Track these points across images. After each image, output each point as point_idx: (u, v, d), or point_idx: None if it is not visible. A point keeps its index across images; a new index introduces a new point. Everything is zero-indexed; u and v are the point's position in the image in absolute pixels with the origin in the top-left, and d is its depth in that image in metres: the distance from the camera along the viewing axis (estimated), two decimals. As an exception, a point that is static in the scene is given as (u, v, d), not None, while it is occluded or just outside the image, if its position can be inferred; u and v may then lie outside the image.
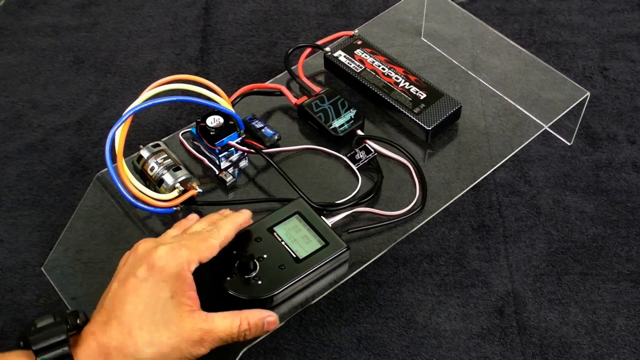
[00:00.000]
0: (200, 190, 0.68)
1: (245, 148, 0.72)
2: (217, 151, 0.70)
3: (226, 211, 0.65)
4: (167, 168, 0.67)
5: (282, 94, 0.78)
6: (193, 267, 0.56)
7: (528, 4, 1.04)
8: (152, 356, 0.53)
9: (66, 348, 0.52)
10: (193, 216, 0.65)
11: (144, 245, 0.57)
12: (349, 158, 0.73)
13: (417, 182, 0.71)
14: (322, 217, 0.66)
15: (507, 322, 0.71)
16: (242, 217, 0.62)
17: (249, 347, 0.59)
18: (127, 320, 0.53)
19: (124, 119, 0.63)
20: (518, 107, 0.81)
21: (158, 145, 0.70)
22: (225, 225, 0.60)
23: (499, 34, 0.85)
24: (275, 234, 0.64)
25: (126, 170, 0.64)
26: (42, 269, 0.74)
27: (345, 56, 0.81)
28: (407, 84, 0.78)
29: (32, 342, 0.51)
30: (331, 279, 0.64)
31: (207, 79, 0.70)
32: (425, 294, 0.73)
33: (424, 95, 0.77)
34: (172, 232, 0.62)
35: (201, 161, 0.73)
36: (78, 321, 0.54)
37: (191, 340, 0.54)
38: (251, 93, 0.79)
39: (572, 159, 0.85)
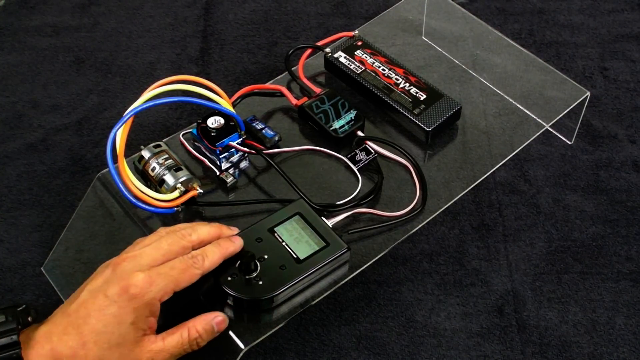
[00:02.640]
0: (201, 191, 0.68)
1: (245, 149, 0.72)
2: (218, 152, 0.70)
3: (221, 228, 0.63)
4: (169, 168, 0.68)
5: (282, 94, 0.79)
6: (166, 297, 0.56)
7: (528, 4, 1.04)
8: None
9: (18, 351, 0.53)
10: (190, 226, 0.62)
11: (124, 266, 0.56)
12: (349, 159, 0.73)
13: (417, 183, 0.72)
14: (322, 217, 0.66)
15: (507, 321, 0.71)
16: (233, 247, 0.61)
17: (249, 347, 0.59)
18: (86, 334, 0.54)
19: (125, 119, 0.63)
20: (519, 106, 0.81)
21: (159, 145, 0.70)
22: (213, 254, 0.59)
23: (499, 33, 0.85)
24: (276, 234, 0.64)
25: (127, 170, 0.64)
26: (42, 269, 0.74)
27: (345, 57, 0.81)
28: (407, 84, 0.78)
29: None
30: (332, 279, 0.64)
31: (207, 79, 0.70)
32: (425, 293, 0.73)
33: (424, 96, 0.77)
34: (160, 243, 0.58)
35: (202, 162, 0.73)
36: (29, 319, 0.55)
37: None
38: (252, 94, 0.79)
39: (572, 158, 0.85)
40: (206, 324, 0.58)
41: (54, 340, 0.54)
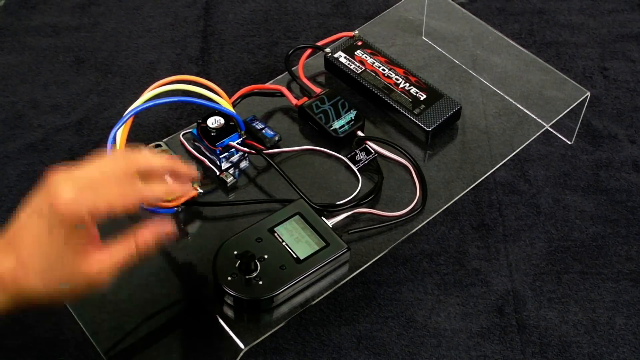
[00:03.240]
0: (201, 191, 0.68)
1: (245, 149, 0.72)
2: (218, 152, 0.70)
3: (176, 163, 0.57)
4: (168, 168, 0.67)
5: (282, 94, 0.79)
6: (98, 216, 0.52)
7: (528, 4, 1.04)
8: (43, 284, 0.52)
9: None
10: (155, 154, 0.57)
11: (55, 179, 0.52)
12: (349, 159, 0.73)
13: (417, 183, 0.72)
14: (322, 217, 0.66)
15: (507, 321, 0.71)
16: (180, 190, 0.58)
17: (249, 347, 0.59)
18: (24, 254, 0.52)
19: (125, 119, 0.63)
20: (519, 106, 0.81)
21: (159, 145, 0.70)
22: (158, 187, 0.55)
23: (499, 33, 0.85)
24: (276, 234, 0.64)
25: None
26: (43, 269, 0.74)
27: (345, 57, 0.81)
28: (407, 84, 0.78)
29: None
30: (331, 279, 0.64)
31: (207, 79, 0.70)
32: (425, 293, 0.73)
33: (424, 96, 0.77)
34: (101, 161, 0.54)
35: (202, 162, 0.73)
36: None
37: (88, 276, 0.53)
38: (252, 94, 0.79)
39: (572, 158, 0.85)
40: (155, 231, 0.55)
41: None
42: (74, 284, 0.53)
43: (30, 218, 0.53)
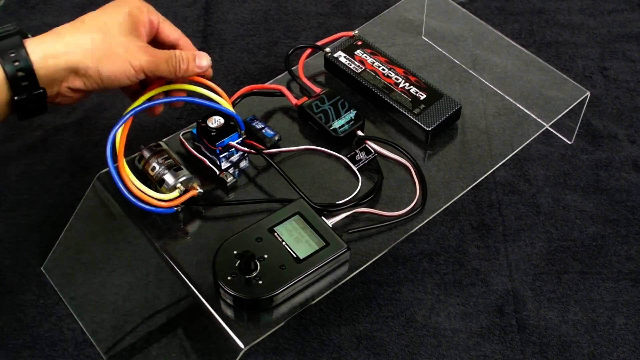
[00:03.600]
0: (201, 191, 0.68)
1: (245, 149, 0.72)
2: (218, 152, 0.70)
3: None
4: (169, 168, 0.67)
5: (282, 94, 0.79)
6: (148, 37, 0.63)
7: (528, 4, 1.04)
8: (101, 47, 0.58)
9: (17, 31, 0.56)
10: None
11: None
12: (349, 158, 0.73)
13: (417, 183, 0.72)
14: (322, 217, 0.66)
15: (507, 321, 0.71)
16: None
17: (249, 347, 0.59)
18: (85, 15, 0.60)
19: (125, 119, 0.63)
20: (519, 106, 0.81)
21: (159, 145, 0.70)
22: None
23: (499, 33, 0.85)
24: (275, 234, 0.64)
25: (127, 170, 0.64)
26: (42, 269, 0.74)
27: (345, 57, 0.81)
28: (407, 84, 0.78)
29: None
30: (331, 279, 0.64)
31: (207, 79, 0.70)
32: (425, 293, 0.73)
33: (424, 96, 0.77)
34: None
35: (202, 161, 0.73)
36: (28, 35, 0.57)
37: (138, 55, 0.59)
38: (252, 94, 0.79)
39: (572, 158, 0.85)
40: (193, 57, 0.63)
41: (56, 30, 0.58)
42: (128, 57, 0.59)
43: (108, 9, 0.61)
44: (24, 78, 0.55)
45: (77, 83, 0.58)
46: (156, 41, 0.65)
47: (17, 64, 0.54)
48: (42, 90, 0.56)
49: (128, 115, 0.63)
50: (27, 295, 0.72)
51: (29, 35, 0.57)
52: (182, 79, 0.65)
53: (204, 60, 0.64)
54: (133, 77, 0.59)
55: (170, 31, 0.65)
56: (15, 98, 0.55)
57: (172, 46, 0.65)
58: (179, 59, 0.62)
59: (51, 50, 0.55)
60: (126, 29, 0.59)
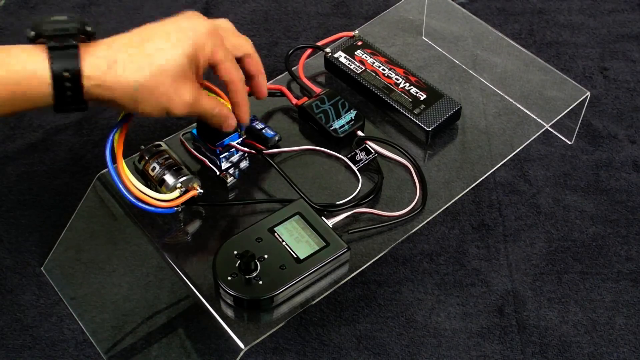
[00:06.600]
0: (201, 191, 0.68)
1: (246, 149, 0.72)
2: (218, 152, 0.70)
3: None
4: (169, 168, 0.67)
5: (282, 94, 0.79)
6: (201, 70, 0.60)
7: (528, 4, 1.04)
8: (146, 94, 0.56)
9: (75, 42, 0.54)
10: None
11: (218, 21, 0.63)
12: (349, 159, 0.73)
13: (417, 183, 0.72)
14: (322, 217, 0.66)
15: (507, 321, 0.71)
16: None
17: (249, 347, 0.59)
18: (144, 34, 0.57)
19: (124, 119, 0.63)
20: (519, 106, 0.81)
21: (159, 145, 0.70)
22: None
23: (499, 33, 0.85)
24: (276, 234, 0.64)
25: (127, 170, 0.64)
26: (42, 269, 0.74)
27: (345, 57, 0.81)
28: (407, 84, 0.78)
29: (44, 30, 0.54)
30: (332, 279, 0.64)
31: (207, 79, 0.70)
32: (425, 293, 0.73)
33: (424, 96, 0.77)
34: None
35: (202, 162, 0.73)
36: (88, 28, 0.55)
37: (180, 105, 0.58)
38: (252, 94, 0.79)
39: (572, 158, 0.85)
40: (228, 113, 0.64)
41: (111, 41, 0.56)
42: (164, 96, 0.57)
43: (163, 22, 0.59)
44: (71, 94, 0.54)
45: (112, 105, 0.58)
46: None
47: (68, 84, 0.54)
48: (83, 105, 0.56)
49: (128, 115, 0.63)
50: (27, 295, 0.72)
51: (88, 29, 0.56)
52: None
53: (232, 125, 0.65)
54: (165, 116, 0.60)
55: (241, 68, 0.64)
56: (55, 102, 0.55)
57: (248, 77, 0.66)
58: (217, 117, 0.63)
59: (100, 81, 0.55)
60: (180, 73, 0.58)
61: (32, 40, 0.54)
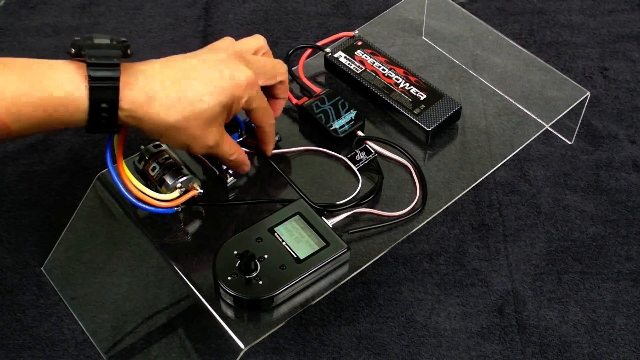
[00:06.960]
0: (201, 191, 0.68)
1: (245, 149, 0.72)
2: (218, 151, 0.70)
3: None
4: (169, 168, 0.67)
5: (282, 94, 0.79)
6: (233, 113, 0.62)
7: (528, 4, 1.04)
8: (174, 133, 0.58)
9: (117, 73, 0.54)
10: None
11: (253, 58, 0.63)
12: (349, 159, 0.73)
13: (417, 183, 0.72)
14: (322, 217, 0.66)
15: (507, 321, 0.71)
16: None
17: (249, 347, 0.59)
18: (184, 69, 0.58)
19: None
20: (519, 106, 0.81)
21: (159, 145, 0.70)
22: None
23: (499, 33, 0.85)
24: (276, 234, 0.64)
25: (127, 170, 0.64)
26: (42, 269, 0.74)
27: (345, 57, 0.81)
28: (407, 84, 0.78)
29: (87, 55, 0.53)
30: (332, 279, 0.64)
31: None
32: (425, 293, 0.73)
33: (424, 96, 0.77)
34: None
35: (202, 162, 0.73)
36: (128, 51, 0.56)
37: (200, 147, 0.61)
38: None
39: (572, 158, 0.85)
40: (244, 160, 0.67)
41: (147, 69, 0.57)
42: (191, 134, 0.59)
43: (202, 54, 0.60)
44: (105, 121, 0.56)
45: (135, 127, 0.59)
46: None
47: (104, 114, 0.55)
48: (115, 129, 0.58)
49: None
50: (27, 295, 0.72)
51: (128, 52, 0.56)
52: None
53: (246, 170, 0.68)
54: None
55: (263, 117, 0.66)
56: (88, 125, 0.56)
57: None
58: (233, 163, 0.66)
59: (135, 113, 0.56)
60: (211, 119, 0.59)
61: (72, 56, 0.54)
